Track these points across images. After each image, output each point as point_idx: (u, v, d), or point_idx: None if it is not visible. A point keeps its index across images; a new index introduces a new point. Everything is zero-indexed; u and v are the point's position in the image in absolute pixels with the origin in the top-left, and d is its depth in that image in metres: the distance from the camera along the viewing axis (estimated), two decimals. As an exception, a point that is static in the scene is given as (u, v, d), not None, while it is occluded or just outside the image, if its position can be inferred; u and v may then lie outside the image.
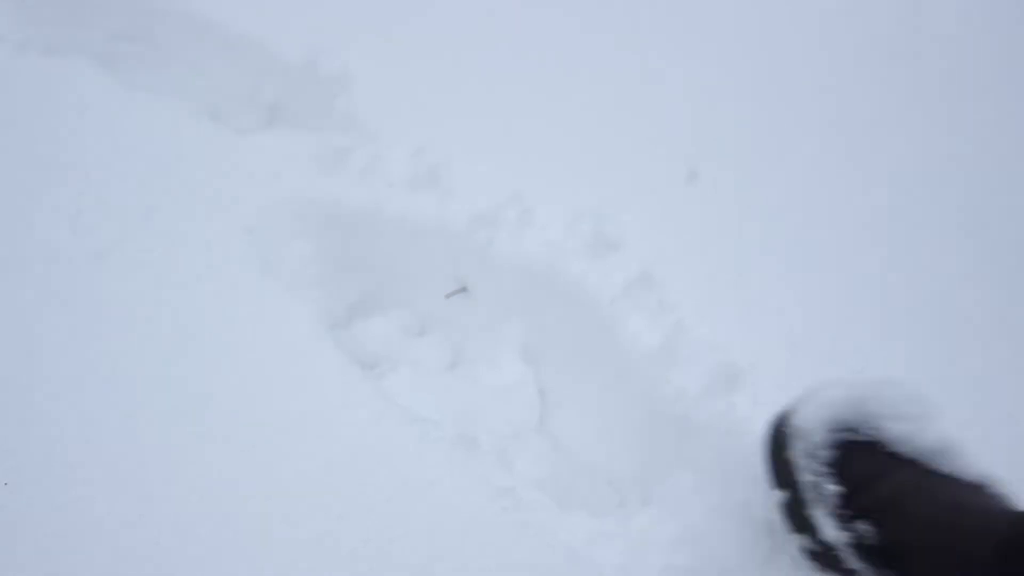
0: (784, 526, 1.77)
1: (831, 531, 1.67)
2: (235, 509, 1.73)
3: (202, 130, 2.72)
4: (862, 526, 1.63)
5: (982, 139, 2.80)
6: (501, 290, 2.42)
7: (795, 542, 1.74)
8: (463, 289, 2.47)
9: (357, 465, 1.83)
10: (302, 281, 2.30)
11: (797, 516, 1.73)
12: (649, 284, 2.29)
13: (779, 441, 1.75)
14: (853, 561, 1.66)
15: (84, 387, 1.90)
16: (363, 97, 2.77)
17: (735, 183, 2.62)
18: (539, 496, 2.00)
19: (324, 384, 2.00)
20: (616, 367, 2.25)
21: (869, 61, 3.08)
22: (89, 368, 1.94)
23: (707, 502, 1.88)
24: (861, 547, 1.64)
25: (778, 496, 1.75)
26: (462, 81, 2.88)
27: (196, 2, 3.04)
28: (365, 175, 2.56)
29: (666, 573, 1.79)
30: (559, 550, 1.77)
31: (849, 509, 1.66)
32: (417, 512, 1.77)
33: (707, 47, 3.11)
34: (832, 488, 1.67)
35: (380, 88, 2.80)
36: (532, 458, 2.16)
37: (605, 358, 2.29)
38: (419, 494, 1.80)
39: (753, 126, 2.82)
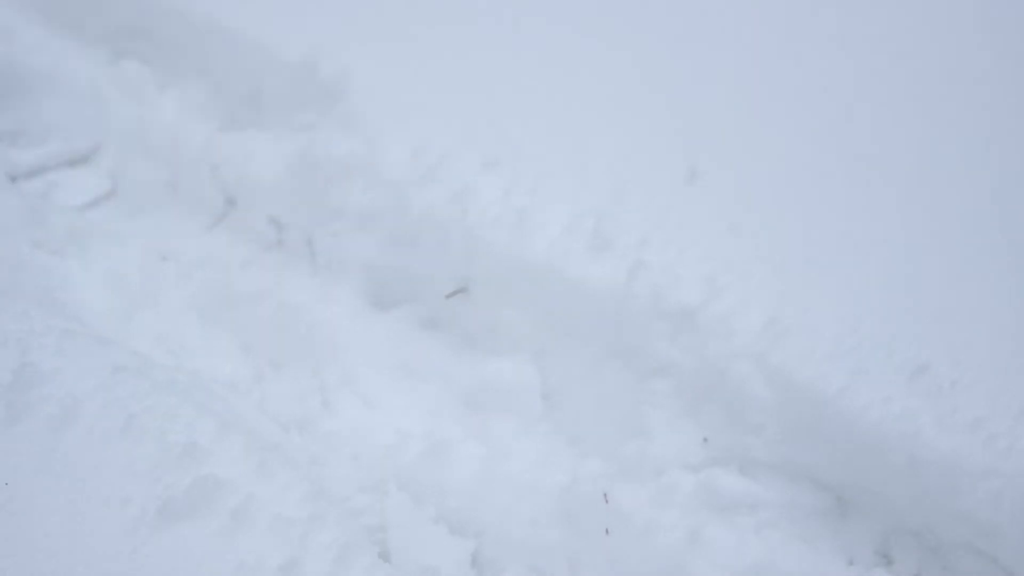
0: None
1: None
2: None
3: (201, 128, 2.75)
4: None
5: (987, 138, 2.80)
6: (501, 289, 2.42)
7: None
8: (463, 289, 2.47)
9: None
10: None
11: None
12: (649, 281, 2.30)
13: None
14: None
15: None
16: (363, 97, 2.76)
17: (735, 181, 2.62)
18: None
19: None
20: (618, 361, 2.27)
21: (871, 59, 3.08)
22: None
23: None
24: None
25: None
26: (461, 81, 2.88)
27: (197, 2, 3.04)
28: (363, 175, 2.57)
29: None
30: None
31: None
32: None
33: (707, 47, 3.10)
34: None
35: (380, 88, 2.80)
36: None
37: (607, 354, 2.30)
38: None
39: (754, 125, 2.82)
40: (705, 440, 2.22)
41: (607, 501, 2.10)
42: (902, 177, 2.67)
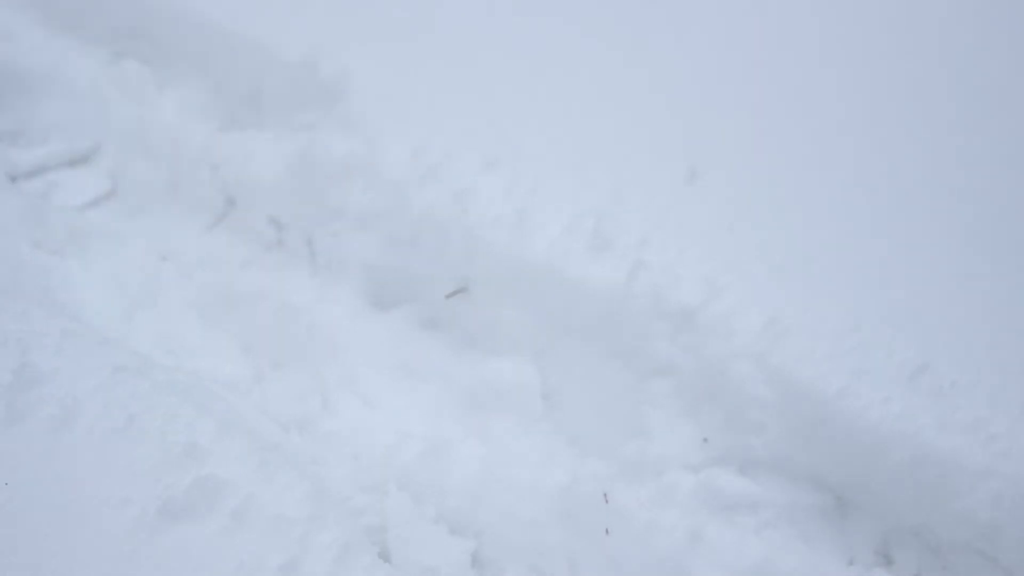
0: None
1: None
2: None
3: (201, 128, 2.75)
4: None
5: (986, 138, 2.80)
6: (501, 289, 2.42)
7: None
8: (463, 289, 2.47)
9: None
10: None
11: None
12: (649, 281, 2.30)
13: None
14: None
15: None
16: (363, 97, 2.77)
17: (735, 181, 2.62)
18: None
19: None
20: (618, 361, 2.27)
21: (870, 61, 3.08)
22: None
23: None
24: None
25: None
26: (461, 82, 2.88)
27: (197, 2, 3.04)
28: (363, 175, 2.57)
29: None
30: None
31: None
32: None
33: (707, 48, 3.11)
34: None
35: (380, 88, 2.80)
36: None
37: (607, 354, 2.30)
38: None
39: (754, 126, 2.82)
40: (705, 440, 2.22)
41: (607, 501, 2.09)
42: (902, 177, 2.68)
